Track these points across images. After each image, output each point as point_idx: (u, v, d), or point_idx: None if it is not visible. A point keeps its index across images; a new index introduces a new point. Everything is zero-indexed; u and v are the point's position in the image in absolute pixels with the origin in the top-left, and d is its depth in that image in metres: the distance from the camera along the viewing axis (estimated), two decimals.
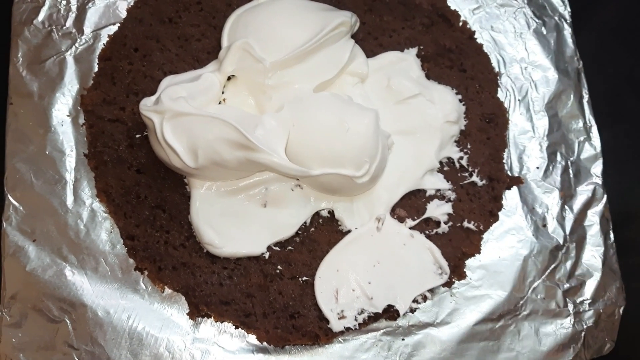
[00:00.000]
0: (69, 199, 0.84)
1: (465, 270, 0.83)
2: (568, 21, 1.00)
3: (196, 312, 0.79)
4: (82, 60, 0.90)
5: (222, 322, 0.80)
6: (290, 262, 0.79)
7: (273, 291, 0.78)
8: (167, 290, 0.81)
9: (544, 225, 0.88)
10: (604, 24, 1.03)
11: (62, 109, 0.88)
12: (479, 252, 0.84)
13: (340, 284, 0.78)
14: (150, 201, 0.81)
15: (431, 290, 0.81)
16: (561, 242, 0.87)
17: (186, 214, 0.80)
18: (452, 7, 0.95)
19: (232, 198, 0.80)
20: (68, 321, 0.79)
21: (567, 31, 0.99)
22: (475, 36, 0.95)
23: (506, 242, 0.87)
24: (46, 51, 0.90)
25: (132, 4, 0.91)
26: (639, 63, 0.98)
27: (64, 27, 0.92)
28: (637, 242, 0.90)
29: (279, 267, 0.79)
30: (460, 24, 0.94)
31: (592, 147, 0.93)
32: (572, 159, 0.92)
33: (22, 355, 0.77)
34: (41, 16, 0.92)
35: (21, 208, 0.83)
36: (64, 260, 0.82)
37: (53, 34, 0.91)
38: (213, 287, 0.78)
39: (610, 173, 0.91)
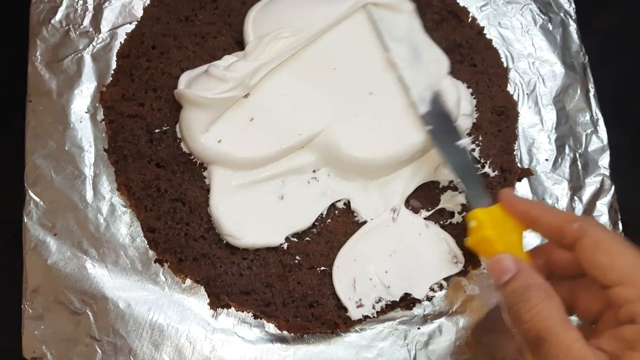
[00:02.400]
0: (89, 194, 0.86)
1: (480, 259, 0.84)
2: (573, 17, 1.02)
3: (217, 302, 0.80)
4: (99, 58, 0.92)
5: (242, 312, 0.81)
6: (308, 253, 0.81)
7: (292, 281, 0.79)
8: (187, 282, 0.82)
9: None
10: (609, 21, 1.05)
11: (81, 106, 0.90)
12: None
13: (358, 274, 0.79)
14: (170, 194, 0.82)
15: (446, 279, 0.82)
16: None
17: (205, 206, 0.81)
18: (461, 4, 0.97)
19: (250, 191, 0.81)
20: (90, 313, 0.80)
21: (573, 27, 1.01)
22: (484, 32, 0.97)
23: None
24: (64, 50, 0.92)
25: (148, 3, 0.93)
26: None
27: (82, 27, 0.94)
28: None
29: (297, 257, 0.80)
30: (470, 20, 0.96)
31: (599, 139, 0.95)
32: (580, 151, 0.94)
33: (44, 347, 0.78)
34: (58, 16, 0.94)
35: (41, 203, 0.84)
36: (84, 254, 0.83)
37: (71, 33, 0.93)
38: (233, 277, 0.79)
39: (617, 165, 0.93)
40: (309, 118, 0.81)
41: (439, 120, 0.80)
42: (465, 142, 0.78)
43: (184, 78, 0.82)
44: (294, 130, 0.81)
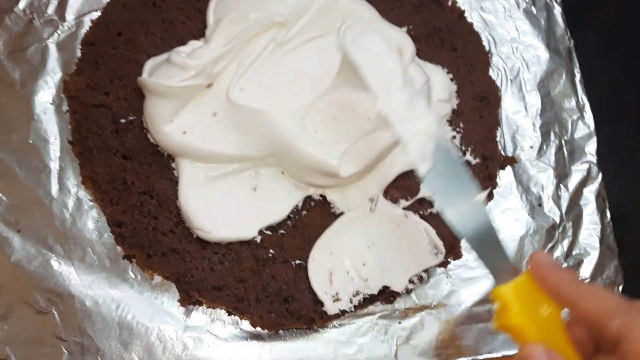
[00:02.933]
0: (54, 188, 0.82)
1: (461, 250, 0.81)
2: (558, 0, 0.99)
3: (187, 299, 0.77)
4: (64, 47, 0.88)
5: (214, 309, 0.78)
6: (283, 246, 0.77)
7: (266, 275, 0.76)
8: (157, 279, 0.78)
9: (540, 205, 0.87)
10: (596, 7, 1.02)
11: (45, 97, 0.86)
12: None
13: (334, 267, 0.76)
14: (137, 187, 0.79)
15: (427, 272, 0.79)
16: (557, 221, 0.86)
17: (174, 199, 0.78)
18: None
19: (221, 182, 0.78)
20: (56, 312, 0.76)
21: (557, 10, 0.98)
22: (465, 16, 0.94)
23: (502, 223, 0.85)
24: (28, 39, 0.88)
25: None
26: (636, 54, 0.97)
27: (46, 15, 0.90)
28: (633, 219, 0.89)
29: (271, 251, 0.77)
30: (450, 3, 0.93)
31: (585, 125, 0.92)
32: (565, 137, 0.91)
33: (9, 348, 0.75)
34: (22, 4, 0.89)
35: (5, 198, 0.80)
36: (49, 251, 0.79)
37: (34, 21, 0.89)
38: (204, 272, 0.76)
39: (604, 152, 0.90)
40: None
41: (446, 177, 0.62)
42: (482, 196, 0.61)
43: (149, 65, 0.79)
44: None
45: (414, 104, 0.64)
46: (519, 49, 0.95)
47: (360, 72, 0.66)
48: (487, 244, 0.59)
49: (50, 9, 0.90)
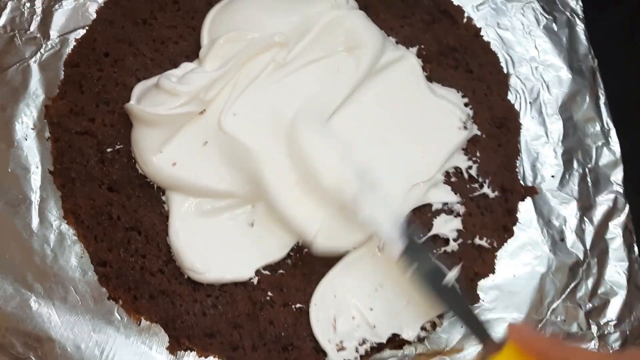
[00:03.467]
0: (34, 221, 0.76)
1: (477, 292, 0.75)
2: (580, 17, 0.93)
3: (177, 346, 0.71)
4: (48, 67, 0.83)
5: (206, 357, 0.71)
6: (282, 288, 0.71)
7: (263, 320, 0.70)
8: (144, 322, 0.72)
9: (562, 240, 0.80)
10: (618, 19, 0.96)
11: (27, 121, 0.80)
12: (493, 272, 0.76)
13: (339, 311, 0.70)
14: (124, 222, 0.73)
15: (440, 316, 0.73)
16: (581, 257, 0.79)
17: (164, 235, 0.72)
18: (455, 3, 0.88)
19: (215, 217, 0.72)
20: (34, 358, 0.71)
21: (580, 27, 0.92)
22: (481, 34, 0.88)
23: (521, 259, 0.79)
24: (8, 58, 0.83)
25: (102, 4, 0.84)
26: None
27: (28, 32, 0.84)
28: None
29: (269, 293, 0.71)
30: (465, 20, 0.87)
31: (611, 152, 0.85)
32: (590, 165, 0.84)
33: None
34: (2, 20, 0.84)
35: None
36: (28, 290, 0.74)
37: (16, 39, 0.84)
38: (196, 317, 0.70)
39: (632, 181, 0.84)
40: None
41: (418, 255, 0.67)
42: (452, 276, 0.66)
43: (137, 90, 0.73)
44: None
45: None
46: (539, 69, 0.89)
47: None
48: (467, 319, 0.66)
49: (33, 26, 0.85)
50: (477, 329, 0.64)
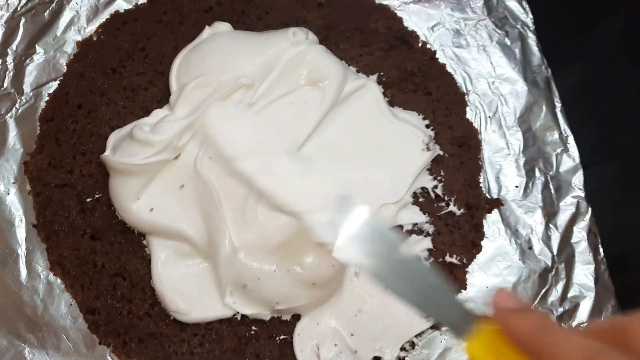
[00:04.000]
0: (23, 273, 0.78)
1: None
2: (532, 29, 0.95)
3: None
4: (23, 121, 0.84)
5: None
6: (265, 321, 0.73)
7: (249, 354, 0.72)
8: None
9: (530, 248, 0.83)
10: (568, 28, 0.99)
11: (8, 176, 0.82)
12: (465, 288, 0.79)
13: (321, 339, 0.72)
14: (108, 269, 0.75)
15: (419, 336, 0.75)
16: (549, 263, 0.83)
17: (148, 279, 0.74)
18: (410, 28, 0.91)
19: (194, 259, 0.74)
20: None
21: (532, 39, 0.95)
22: (437, 55, 0.91)
23: (492, 270, 0.82)
24: None
25: (71, 57, 0.86)
26: (607, 64, 0.94)
27: (2, 88, 0.86)
28: (627, 254, 0.85)
29: (253, 327, 0.73)
30: (420, 44, 0.89)
31: (570, 158, 0.89)
32: (551, 173, 0.88)
33: None
34: None
35: None
36: (22, 341, 0.75)
37: None
38: (184, 357, 0.72)
39: (592, 184, 0.87)
40: None
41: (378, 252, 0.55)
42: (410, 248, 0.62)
43: (112, 139, 0.76)
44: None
45: None
46: (495, 83, 0.92)
47: None
48: (439, 301, 0.52)
49: (7, 82, 0.87)
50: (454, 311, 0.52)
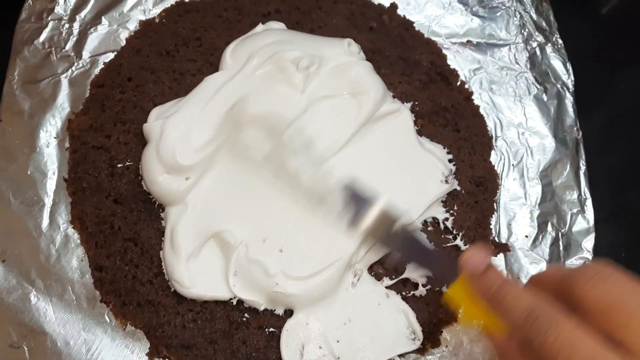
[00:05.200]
0: (45, 222, 0.83)
1: (440, 337, 0.79)
2: (570, 90, 0.98)
3: (156, 353, 0.76)
4: (76, 84, 0.90)
5: None
6: (258, 311, 0.76)
7: (237, 340, 0.75)
8: (130, 327, 0.78)
9: None
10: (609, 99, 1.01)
11: (51, 131, 0.87)
12: (456, 321, 0.80)
13: (307, 339, 0.74)
14: (123, 233, 0.79)
15: (402, 356, 0.77)
16: None
17: (158, 249, 0.78)
18: (452, 66, 0.94)
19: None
20: (26, 348, 0.76)
21: (569, 100, 0.97)
22: (474, 97, 0.94)
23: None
24: (42, 72, 0.90)
25: (132, 33, 0.92)
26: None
27: (63, 50, 0.92)
28: None
29: (246, 315, 0.76)
30: (459, 83, 0.93)
31: (585, 220, 0.90)
32: (563, 230, 0.89)
33: None
34: (42, 37, 0.92)
35: None
36: (30, 284, 0.79)
37: (52, 55, 0.92)
38: (176, 329, 0.75)
39: (601, 251, 0.88)
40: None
41: (362, 213, 0.69)
42: (378, 206, 0.69)
43: (155, 113, 0.80)
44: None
45: None
46: (525, 134, 0.94)
47: None
48: (421, 256, 0.68)
49: (69, 45, 0.93)
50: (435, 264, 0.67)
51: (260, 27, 0.88)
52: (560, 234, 0.89)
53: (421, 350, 0.77)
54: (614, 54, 1.07)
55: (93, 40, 0.94)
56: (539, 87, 0.98)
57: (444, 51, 0.97)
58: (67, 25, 0.94)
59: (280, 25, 0.89)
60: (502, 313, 0.53)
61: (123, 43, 0.92)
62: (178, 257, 0.75)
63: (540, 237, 0.88)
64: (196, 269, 0.76)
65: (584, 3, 1.11)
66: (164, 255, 0.77)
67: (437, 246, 0.81)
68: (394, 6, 0.98)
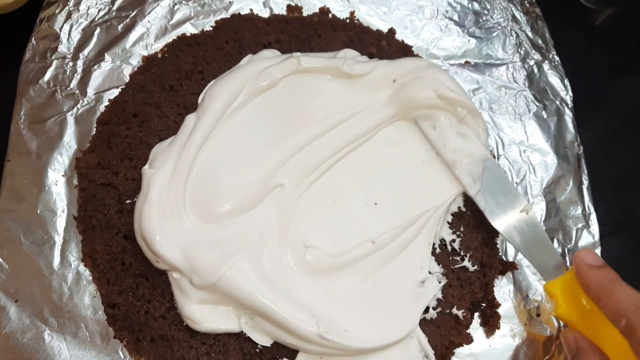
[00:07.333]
0: (56, 261, 0.83)
1: (453, 358, 0.80)
2: (569, 106, 0.99)
3: None
4: (82, 121, 0.91)
5: None
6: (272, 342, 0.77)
7: None
8: None
9: (538, 315, 0.85)
10: (607, 110, 1.02)
11: (58, 169, 0.88)
12: (469, 342, 0.81)
13: None
14: (134, 268, 0.80)
15: None
16: (555, 333, 0.84)
17: (169, 284, 0.78)
18: None
19: None
20: None
21: (568, 116, 0.98)
22: None
23: (498, 331, 0.84)
24: (48, 111, 0.92)
25: (135, 69, 0.93)
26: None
27: (68, 88, 0.93)
28: None
29: (259, 346, 0.76)
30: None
31: (590, 234, 0.90)
32: (569, 246, 0.90)
33: None
34: (47, 76, 0.94)
35: (7, 267, 0.82)
36: (44, 323, 0.80)
37: (57, 94, 0.93)
38: None
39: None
40: None
41: (494, 194, 0.82)
42: (529, 206, 0.81)
43: (154, 151, 0.81)
44: None
45: (463, 134, 0.84)
46: (527, 152, 0.96)
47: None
48: (536, 246, 0.78)
49: (73, 83, 0.94)
50: (546, 257, 0.77)
51: (246, 59, 0.89)
52: (566, 250, 0.89)
53: None
54: (610, 64, 1.08)
55: (97, 77, 0.95)
56: (538, 104, 0.99)
57: None
58: (70, 64, 0.95)
59: (272, 52, 0.90)
60: (612, 303, 0.60)
61: (127, 79, 0.94)
62: (188, 298, 0.76)
63: None
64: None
65: (578, 15, 1.13)
66: (174, 291, 0.77)
67: (445, 269, 0.82)
68: (392, 31, 1.00)
